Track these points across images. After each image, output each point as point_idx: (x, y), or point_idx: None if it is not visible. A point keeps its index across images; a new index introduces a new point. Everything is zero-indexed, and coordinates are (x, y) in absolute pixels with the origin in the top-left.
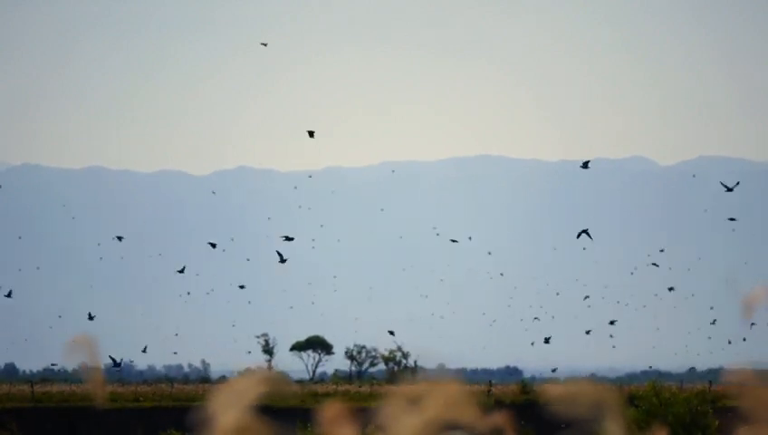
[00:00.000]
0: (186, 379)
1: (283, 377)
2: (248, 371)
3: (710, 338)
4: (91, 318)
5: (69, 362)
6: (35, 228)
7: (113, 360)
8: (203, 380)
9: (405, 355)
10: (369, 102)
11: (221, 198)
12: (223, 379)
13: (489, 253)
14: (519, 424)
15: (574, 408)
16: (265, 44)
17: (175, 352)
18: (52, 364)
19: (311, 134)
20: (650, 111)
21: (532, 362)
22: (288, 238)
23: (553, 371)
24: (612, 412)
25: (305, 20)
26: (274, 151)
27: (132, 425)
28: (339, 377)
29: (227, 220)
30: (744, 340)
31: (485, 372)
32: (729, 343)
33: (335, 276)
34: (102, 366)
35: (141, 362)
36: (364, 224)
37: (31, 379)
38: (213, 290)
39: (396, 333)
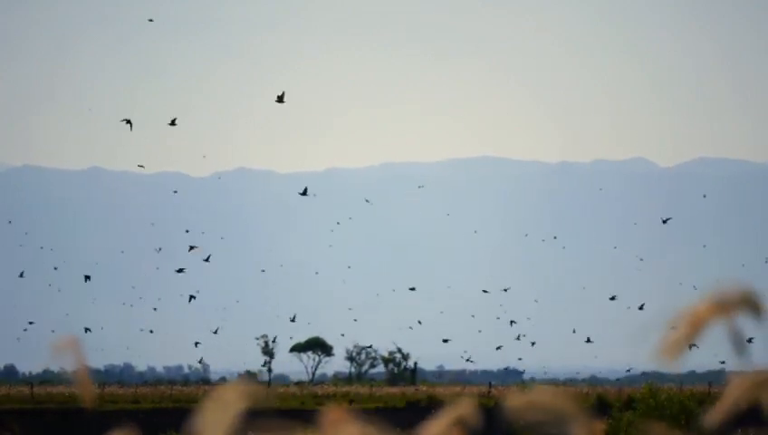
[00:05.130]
0: (185, 380)
1: (263, 389)
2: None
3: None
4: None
5: (54, 365)
6: (35, 229)
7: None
8: (203, 381)
9: (405, 357)
10: (368, 103)
11: (220, 200)
12: (223, 380)
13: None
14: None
15: (538, 416)
16: (151, 20)
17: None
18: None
19: (280, 99)
20: (650, 112)
21: (532, 363)
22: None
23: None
24: (577, 421)
25: (305, 20)
26: (274, 152)
27: (132, 427)
28: (338, 379)
29: (226, 222)
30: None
31: (485, 373)
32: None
33: (335, 277)
34: (88, 368)
35: (141, 364)
36: (364, 225)
37: (30, 380)
38: (213, 291)
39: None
